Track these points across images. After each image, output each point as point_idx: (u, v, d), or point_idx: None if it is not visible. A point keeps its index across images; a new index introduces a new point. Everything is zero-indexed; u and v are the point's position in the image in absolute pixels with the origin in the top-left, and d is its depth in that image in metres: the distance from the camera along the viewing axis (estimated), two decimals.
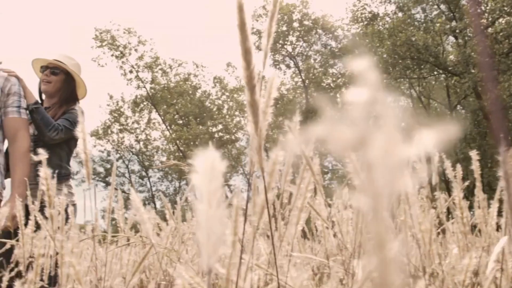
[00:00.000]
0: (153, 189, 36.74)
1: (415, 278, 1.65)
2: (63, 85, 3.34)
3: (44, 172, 1.52)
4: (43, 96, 3.44)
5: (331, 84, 26.16)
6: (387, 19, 23.94)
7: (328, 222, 1.89)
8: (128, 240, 2.49)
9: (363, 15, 24.68)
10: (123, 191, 33.80)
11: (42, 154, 1.59)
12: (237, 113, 31.94)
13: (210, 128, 31.21)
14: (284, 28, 27.72)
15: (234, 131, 31.85)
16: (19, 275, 1.82)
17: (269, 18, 0.96)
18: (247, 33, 0.64)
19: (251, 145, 0.74)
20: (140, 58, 30.23)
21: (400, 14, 22.96)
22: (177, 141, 29.31)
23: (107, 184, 35.71)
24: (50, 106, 3.33)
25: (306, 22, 27.86)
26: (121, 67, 30.12)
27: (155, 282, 2.61)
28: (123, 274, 2.62)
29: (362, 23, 24.74)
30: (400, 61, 21.39)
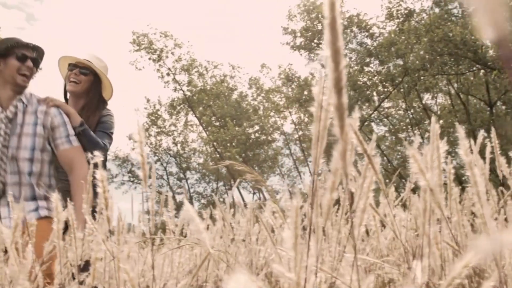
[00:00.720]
0: (191, 190, 37.03)
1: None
2: (92, 87, 3.32)
3: (100, 174, 1.53)
4: (68, 95, 3.43)
5: (367, 82, 25.89)
6: (424, 15, 23.62)
7: (386, 221, 1.85)
8: (179, 242, 2.48)
9: (399, 12, 24.40)
10: (160, 193, 34.19)
11: (98, 157, 1.60)
12: (272, 113, 31.94)
13: (247, 129, 31.28)
14: (319, 27, 27.59)
15: (270, 131, 31.85)
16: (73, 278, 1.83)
17: (328, 24, 0.94)
18: (338, 33, 0.62)
19: (336, 149, 0.73)
20: (177, 60, 30.50)
21: (437, 10, 22.62)
22: (214, 143, 29.46)
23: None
24: (79, 110, 3.25)
25: (340, 21, 27.65)
26: (158, 70, 30.43)
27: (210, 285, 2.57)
28: (174, 277, 2.61)
29: (398, 20, 24.46)
30: (437, 57, 21.07)
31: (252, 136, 31.19)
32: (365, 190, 1.28)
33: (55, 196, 1.78)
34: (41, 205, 2.83)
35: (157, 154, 35.90)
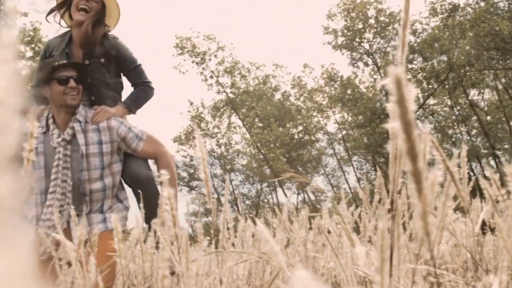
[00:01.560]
0: (236, 192, 37.18)
1: None
2: (99, 14, 3.07)
3: (167, 192, 1.55)
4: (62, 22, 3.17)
5: (411, 80, 25.52)
6: (469, 9, 23.14)
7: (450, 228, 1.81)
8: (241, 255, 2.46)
9: (443, 7, 23.99)
10: (204, 195, 34.40)
11: (164, 175, 1.60)
12: (315, 113, 31.81)
13: (290, 129, 31.25)
14: (360, 26, 27.36)
15: (313, 131, 31.73)
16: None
17: (402, 27, 0.92)
18: (408, 108, 0.63)
19: (414, 211, 0.72)
20: (220, 63, 30.72)
21: (482, 4, 22.12)
22: (258, 144, 29.54)
23: (191, 188, 36.52)
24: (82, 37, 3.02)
25: (382, 18, 27.38)
26: (201, 73, 30.71)
27: None
28: None
29: (442, 15, 24.04)
30: (484, 52, 20.61)
31: (296, 137, 31.14)
32: (446, 209, 1.22)
33: (114, 214, 1.84)
34: (108, 217, 2.89)
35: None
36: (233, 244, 2.66)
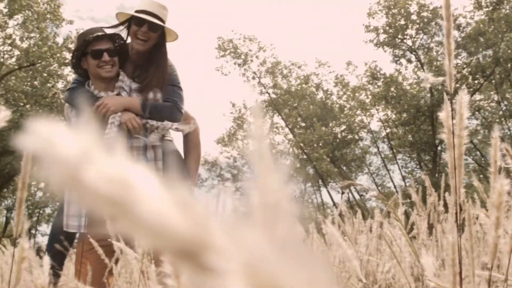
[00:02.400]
0: None
1: None
2: (159, 42, 3.04)
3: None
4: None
5: (456, 75, 25.06)
6: None
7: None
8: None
9: (487, 0, 23.49)
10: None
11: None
12: (358, 111, 31.55)
13: (333, 128, 31.09)
14: (402, 22, 27.01)
15: (357, 130, 31.49)
16: None
17: (446, 36, 0.90)
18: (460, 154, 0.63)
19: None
20: (262, 64, 30.82)
21: None
22: (301, 144, 29.49)
23: (235, 189, 36.69)
24: (138, 68, 3.03)
25: (424, 14, 26.95)
26: (243, 74, 30.88)
27: None
28: None
29: (486, 9, 23.54)
30: None
31: (339, 136, 30.95)
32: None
33: None
34: None
35: (245, 157, 36.42)
36: None
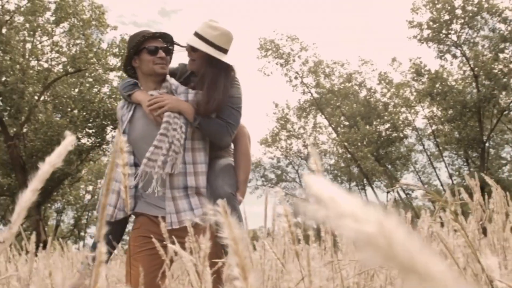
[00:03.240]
0: None
1: None
2: (207, 60, 3.03)
3: (285, 209, 1.54)
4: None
5: (503, 70, 24.48)
6: None
7: None
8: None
9: None
10: (294, 195, 34.50)
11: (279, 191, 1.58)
12: (403, 109, 31.15)
13: (378, 127, 30.79)
14: (447, 17, 26.55)
15: (402, 128, 31.09)
16: None
17: None
18: None
19: None
20: (304, 63, 30.79)
21: None
22: (345, 143, 29.32)
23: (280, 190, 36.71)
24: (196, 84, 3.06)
25: (469, 8, 26.42)
26: (286, 74, 30.90)
27: None
28: None
29: None
30: None
31: (383, 134, 30.63)
32: None
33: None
34: (195, 203, 2.94)
35: (288, 158, 36.44)
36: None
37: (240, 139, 3.13)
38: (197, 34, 3.04)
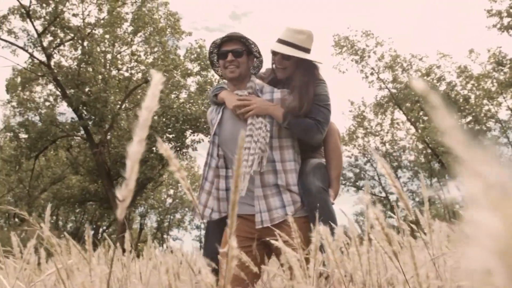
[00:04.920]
0: (404, 189, 36.30)
1: None
2: (299, 66, 3.06)
3: (375, 212, 1.53)
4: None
5: None
6: None
7: None
8: None
9: None
10: (374, 194, 34.01)
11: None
12: (485, 101, 30.02)
13: (459, 120, 29.82)
14: None
15: (484, 120, 29.97)
16: None
17: None
18: None
19: None
20: (380, 59, 30.25)
21: None
22: (426, 138, 28.57)
23: (358, 188, 36.31)
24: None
25: None
26: (361, 71, 30.49)
27: None
28: None
29: None
30: None
31: (465, 127, 29.63)
32: None
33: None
34: (287, 199, 2.95)
35: (366, 155, 35.91)
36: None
37: (329, 136, 3.10)
38: (284, 42, 3.04)
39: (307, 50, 3.06)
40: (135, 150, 0.69)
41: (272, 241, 2.01)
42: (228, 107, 3.00)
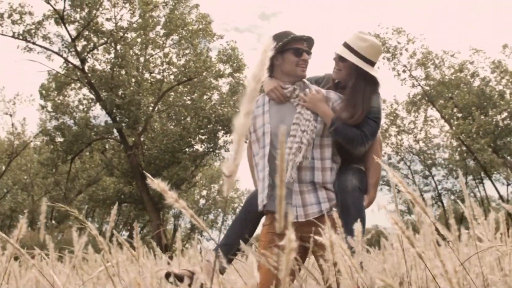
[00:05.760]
0: (439, 187, 35.84)
1: None
2: (355, 70, 3.12)
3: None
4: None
5: None
6: None
7: None
8: None
9: None
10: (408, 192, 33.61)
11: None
12: None
13: (494, 116, 29.26)
14: None
15: None
16: None
17: None
18: None
19: None
20: (412, 56, 29.90)
21: None
22: (461, 135, 28.12)
23: (390, 186, 35.92)
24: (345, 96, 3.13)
25: None
26: (393, 68, 30.17)
27: None
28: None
29: None
30: None
31: (501, 124, 29.05)
32: None
33: None
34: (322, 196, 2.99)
35: (399, 154, 35.54)
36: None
37: (371, 144, 3.12)
38: (346, 45, 3.14)
39: (366, 60, 3.12)
40: (242, 122, 0.68)
41: (316, 237, 2.03)
42: (265, 92, 3.12)
